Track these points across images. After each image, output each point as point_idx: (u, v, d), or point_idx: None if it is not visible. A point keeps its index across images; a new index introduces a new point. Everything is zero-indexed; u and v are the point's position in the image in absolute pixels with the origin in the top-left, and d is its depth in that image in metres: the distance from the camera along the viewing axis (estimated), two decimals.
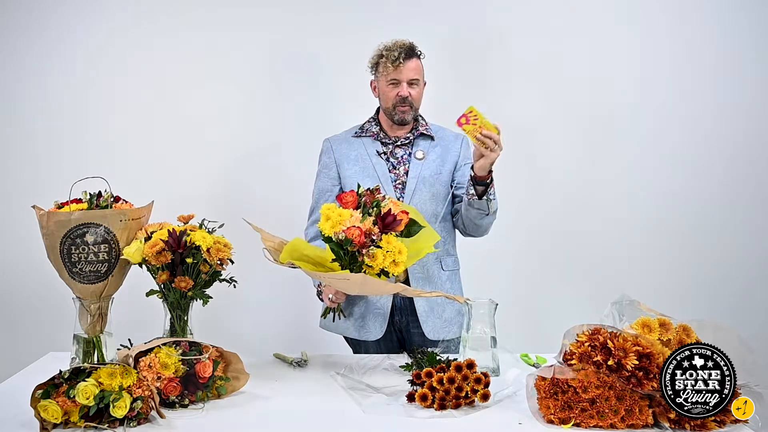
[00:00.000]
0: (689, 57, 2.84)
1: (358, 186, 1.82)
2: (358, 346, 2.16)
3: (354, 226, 1.66)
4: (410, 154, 2.14)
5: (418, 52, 2.11)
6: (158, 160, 2.81)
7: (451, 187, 2.15)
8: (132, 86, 2.81)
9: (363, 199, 1.75)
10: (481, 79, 2.86)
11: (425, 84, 2.16)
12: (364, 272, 1.69)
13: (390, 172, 2.11)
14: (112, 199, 1.71)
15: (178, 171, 2.81)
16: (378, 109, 2.20)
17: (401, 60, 2.05)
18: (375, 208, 1.73)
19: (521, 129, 2.84)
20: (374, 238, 1.67)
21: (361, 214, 1.71)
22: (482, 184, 1.93)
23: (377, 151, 2.13)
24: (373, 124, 2.18)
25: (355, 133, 2.18)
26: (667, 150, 2.87)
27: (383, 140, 2.15)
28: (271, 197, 2.82)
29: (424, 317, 2.07)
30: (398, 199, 2.06)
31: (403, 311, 2.10)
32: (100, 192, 1.71)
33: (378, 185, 1.83)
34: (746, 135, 2.87)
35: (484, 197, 1.94)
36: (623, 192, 2.89)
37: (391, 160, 2.13)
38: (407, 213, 1.74)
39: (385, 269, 1.68)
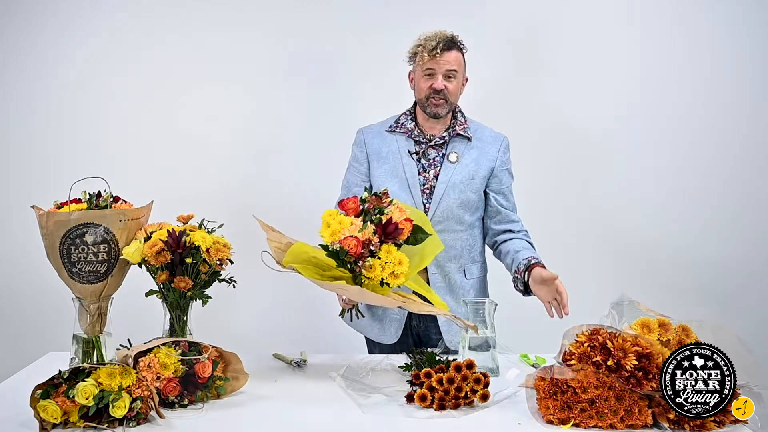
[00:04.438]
0: (689, 57, 2.84)
1: (367, 189, 1.73)
2: (374, 346, 2.12)
3: (351, 236, 1.58)
4: (443, 156, 2.01)
5: (460, 45, 1.97)
6: (158, 159, 2.81)
7: (485, 193, 2.05)
8: (132, 86, 2.81)
9: (366, 205, 1.66)
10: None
11: (466, 80, 2.03)
12: (362, 283, 1.62)
13: (419, 174, 2.00)
14: (111, 199, 1.71)
15: (178, 171, 2.81)
16: (415, 102, 2.07)
17: (438, 50, 1.91)
18: (377, 215, 1.64)
19: (519, 129, 2.84)
20: (372, 248, 1.59)
21: (363, 222, 1.62)
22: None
23: (409, 151, 2.02)
24: (408, 118, 2.05)
25: (390, 126, 2.06)
26: (667, 150, 2.87)
27: (417, 138, 2.03)
28: (270, 197, 2.82)
29: (446, 327, 2.01)
30: (424, 205, 1.99)
31: (422, 316, 2.03)
32: (99, 192, 1.71)
33: (386, 189, 1.73)
34: (746, 135, 2.86)
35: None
36: (623, 192, 2.88)
37: (422, 161, 2.01)
38: (411, 220, 1.65)
39: (385, 280, 1.61)
